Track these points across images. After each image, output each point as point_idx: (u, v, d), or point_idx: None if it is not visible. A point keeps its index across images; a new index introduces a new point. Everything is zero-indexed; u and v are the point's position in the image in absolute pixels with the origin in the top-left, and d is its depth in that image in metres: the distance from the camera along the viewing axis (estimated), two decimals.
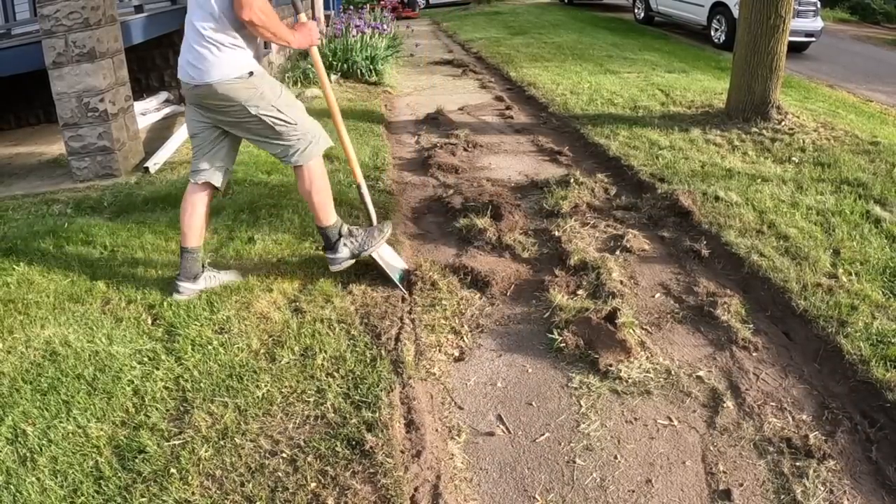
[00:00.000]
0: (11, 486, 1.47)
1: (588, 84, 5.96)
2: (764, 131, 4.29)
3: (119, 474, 1.51)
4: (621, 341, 2.02)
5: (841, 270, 2.50)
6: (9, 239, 2.81)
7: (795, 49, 9.00)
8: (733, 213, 3.00)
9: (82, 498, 1.45)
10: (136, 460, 1.55)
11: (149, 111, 4.85)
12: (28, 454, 1.57)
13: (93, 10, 3.35)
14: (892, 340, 2.06)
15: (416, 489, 1.51)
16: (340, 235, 2.30)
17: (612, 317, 2.12)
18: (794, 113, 4.65)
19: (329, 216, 2.28)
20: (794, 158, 3.84)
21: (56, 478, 1.50)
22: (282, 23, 2.02)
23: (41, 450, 1.58)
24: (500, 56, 7.94)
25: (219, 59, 1.98)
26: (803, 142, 4.10)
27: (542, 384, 1.96)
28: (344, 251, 2.30)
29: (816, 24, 8.60)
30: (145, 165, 3.73)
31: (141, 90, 5.28)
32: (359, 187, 2.42)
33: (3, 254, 2.66)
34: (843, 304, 2.26)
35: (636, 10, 11.85)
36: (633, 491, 1.58)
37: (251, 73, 2.03)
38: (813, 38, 8.65)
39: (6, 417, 1.68)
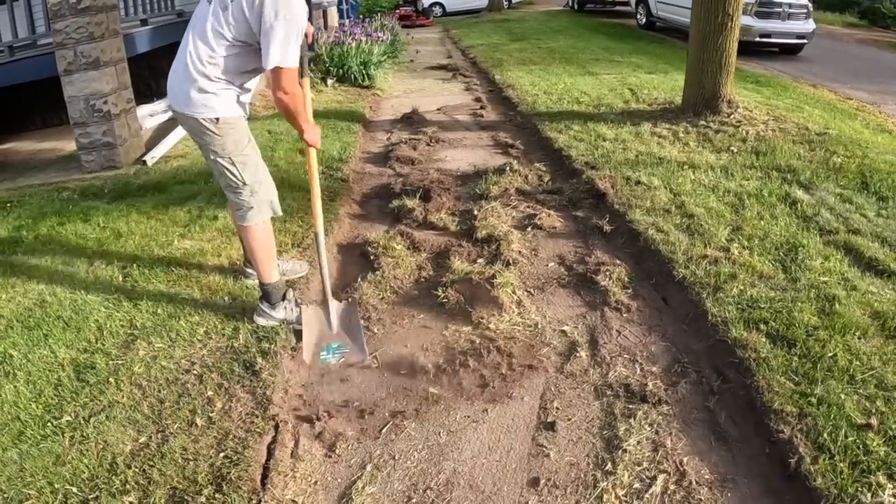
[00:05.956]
0: None
1: (563, 85, 6.25)
2: (711, 124, 4.50)
3: (73, 383, 1.98)
4: (495, 298, 2.37)
5: (735, 245, 2.66)
6: (22, 218, 3.37)
7: (789, 51, 9.04)
8: (647, 196, 3.23)
9: (44, 398, 1.92)
10: (87, 374, 2.01)
11: (157, 113, 5.43)
12: (10, 370, 2.05)
13: (97, 25, 3.91)
14: (762, 306, 2.22)
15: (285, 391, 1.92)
16: (284, 298, 2.26)
17: (492, 278, 2.48)
18: (746, 107, 4.83)
19: (271, 274, 2.22)
20: (732, 148, 4.03)
21: (28, 385, 1.97)
22: (305, 111, 2.05)
23: (21, 367, 2.06)
24: (492, 60, 8.28)
25: (201, 91, 1.96)
26: (746, 133, 4.29)
27: (421, 330, 2.32)
28: (279, 313, 2.24)
29: (808, 26, 8.64)
30: (144, 159, 4.27)
31: (152, 94, 5.90)
32: (316, 237, 2.28)
33: (16, 229, 3.21)
34: (723, 273, 2.41)
35: (638, 16, 12.06)
36: (468, 416, 1.86)
37: (217, 120, 1.98)
38: (805, 41, 8.69)
39: None
